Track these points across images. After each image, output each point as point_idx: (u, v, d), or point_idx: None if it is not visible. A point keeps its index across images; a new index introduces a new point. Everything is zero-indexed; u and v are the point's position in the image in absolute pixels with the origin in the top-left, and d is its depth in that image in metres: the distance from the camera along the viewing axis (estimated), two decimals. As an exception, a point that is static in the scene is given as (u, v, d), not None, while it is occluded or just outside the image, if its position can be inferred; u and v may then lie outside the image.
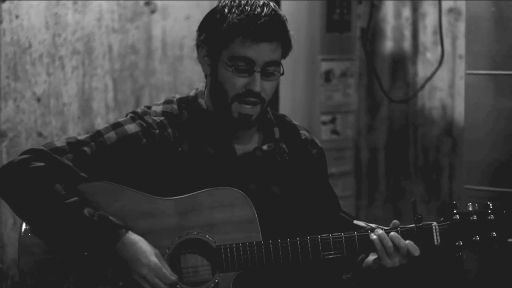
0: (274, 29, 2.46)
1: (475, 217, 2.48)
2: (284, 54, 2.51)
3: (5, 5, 3.62)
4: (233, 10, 2.46)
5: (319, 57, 4.15)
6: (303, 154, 2.62)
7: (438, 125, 4.50)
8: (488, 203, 2.50)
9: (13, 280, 3.71)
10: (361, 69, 4.58)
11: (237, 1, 2.48)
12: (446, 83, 4.46)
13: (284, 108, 3.96)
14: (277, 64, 2.49)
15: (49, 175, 2.40)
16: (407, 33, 4.56)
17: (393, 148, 4.67)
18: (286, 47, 2.51)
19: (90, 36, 3.85)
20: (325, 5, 4.15)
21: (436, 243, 2.49)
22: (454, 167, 4.46)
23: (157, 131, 2.51)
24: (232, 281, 2.43)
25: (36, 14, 3.70)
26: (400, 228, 2.49)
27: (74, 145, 2.47)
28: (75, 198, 2.39)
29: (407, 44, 4.57)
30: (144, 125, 2.51)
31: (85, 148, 2.47)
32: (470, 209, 2.50)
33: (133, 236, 2.39)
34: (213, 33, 2.49)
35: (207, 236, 2.44)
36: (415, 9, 4.53)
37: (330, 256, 2.45)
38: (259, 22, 2.43)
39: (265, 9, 2.46)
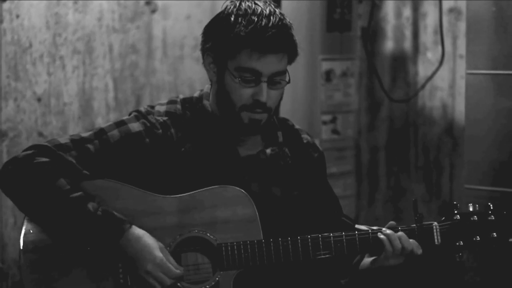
0: (281, 41, 2.45)
1: (475, 217, 2.50)
2: (290, 62, 2.52)
3: (6, 5, 3.62)
4: (240, 20, 2.45)
5: (319, 56, 4.15)
6: (305, 158, 2.63)
7: (439, 125, 4.50)
8: (489, 204, 2.52)
9: (14, 280, 3.70)
10: (362, 68, 4.58)
11: (243, 9, 2.47)
12: (447, 83, 4.46)
13: (285, 108, 3.96)
14: (283, 73, 2.49)
15: (53, 170, 2.40)
16: (408, 32, 4.56)
17: (393, 148, 4.67)
18: (292, 55, 2.51)
19: (91, 35, 3.85)
20: (325, 5, 4.14)
21: (436, 243, 2.49)
22: (455, 167, 4.46)
23: (160, 131, 2.52)
24: (232, 279, 2.43)
25: (37, 13, 3.70)
26: (400, 228, 2.50)
27: (77, 142, 2.47)
28: (80, 193, 2.39)
29: (407, 44, 4.57)
30: (148, 124, 2.52)
31: (89, 146, 2.47)
32: (471, 209, 2.52)
33: (137, 231, 2.39)
34: (220, 42, 2.48)
35: (208, 234, 2.44)
36: (415, 8, 4.53)
37: (330, 255, 2.46)
38: (266, 35, 2.43)
39: (271, 19, 2.44)
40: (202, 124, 2.55)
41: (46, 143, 2.46)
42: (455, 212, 2.51)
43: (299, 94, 4.12)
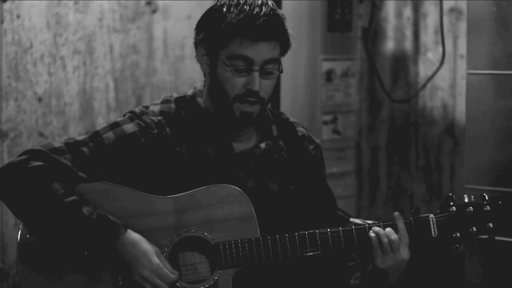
0: (273, 28, 2.46)
1: (471, 208, 2.52)
2: (283, 52, 2.52)
3: (6, 5, 3.63)
4: (232, 10, 2.46)
5: (320, 56, 4.15)
6: (300, 150, 2.62)
7: (439, 125, 4.50)
8: (484, 194, 2.53)
9: (14, 280, 3.71)
10: (362, 68, 4.58)
11: (235, 0, 2.48)
12: (447, 83, 4.46)
13: (285, 107, 3.96)
14: (276, 62, 2.49)
15: (47, 174, 2.40)
16: (408, 33, 4.56)
17: (394, 148, 4.67)
18: (284, 45, 2.51)
19: (91, 36, 3.86)
20: (326, 5, 4.15)
21: (433, 235, 2.50)
22: (455, 167, 4.46)
23: (155, 131, 2.51)
24: (231, 277, 2.43)
25: (37, 14, 3.70)
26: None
27: (72, 146, 2.47)
28: (74, 197, 2.39)
29: (408, 44, 4.56)
30: (143, 125, 2.51)
31: (84, 149, 2.47)
32: (466, 200, 2.53)
33: (133, 235, 2.39)
34: (212, 33, 2.49)
35: (205, 233, 2.44)
36: (416, 9, 4.53)
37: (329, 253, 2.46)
38: (257, 22, 2.43)
39: (263, 8, 2.46)
40: (196, 122, 2.55)
41: (40, 148, 2.45)
42: (451, 204, 2.52)
43: (299, 94, 4.12)
